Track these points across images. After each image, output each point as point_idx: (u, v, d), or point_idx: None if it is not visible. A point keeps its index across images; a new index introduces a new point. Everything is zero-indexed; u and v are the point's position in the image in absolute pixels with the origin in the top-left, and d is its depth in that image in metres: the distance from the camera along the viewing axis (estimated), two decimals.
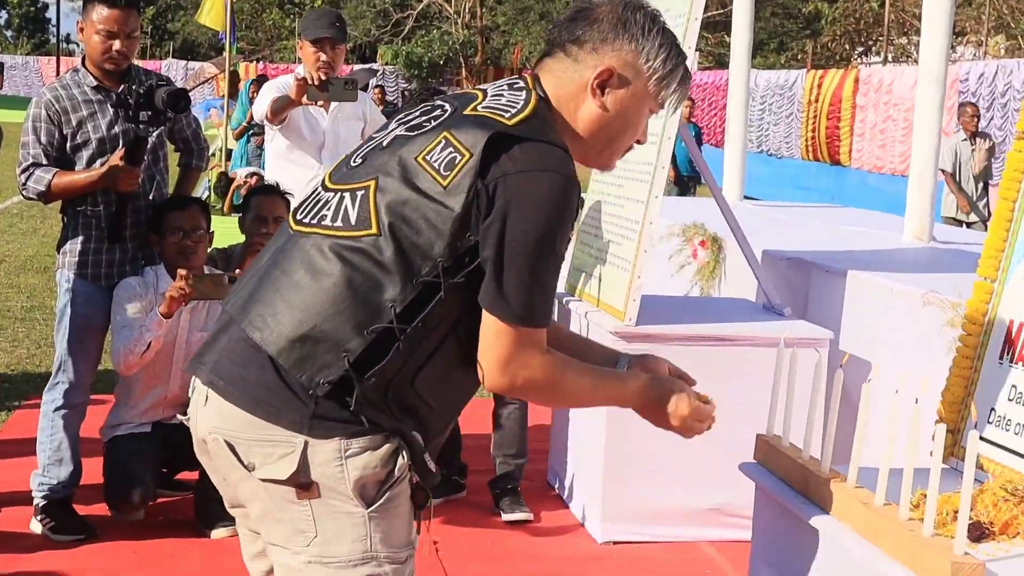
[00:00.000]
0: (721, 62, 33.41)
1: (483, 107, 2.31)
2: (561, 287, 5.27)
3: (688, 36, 4.47)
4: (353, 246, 2.23)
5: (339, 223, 2.26)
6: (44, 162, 4.56)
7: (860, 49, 36.44)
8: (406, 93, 24.65)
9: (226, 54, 17.63)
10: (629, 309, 4.47)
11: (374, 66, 36.37)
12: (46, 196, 4.56)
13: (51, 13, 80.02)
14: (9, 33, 78.90)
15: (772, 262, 5.34)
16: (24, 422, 5.97)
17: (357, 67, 33.48)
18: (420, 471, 2.32)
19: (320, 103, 5.62)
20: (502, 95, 2.35)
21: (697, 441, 3.06)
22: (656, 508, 4.65)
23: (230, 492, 2.38)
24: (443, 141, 2.24)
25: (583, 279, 5.13)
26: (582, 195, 2.40)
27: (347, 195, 2.30)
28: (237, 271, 4.57)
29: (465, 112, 2.30)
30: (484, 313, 2.21)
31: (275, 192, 5.11)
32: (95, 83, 4.63)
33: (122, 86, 4.56)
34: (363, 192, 2.27)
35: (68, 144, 4.59)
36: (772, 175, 18.40)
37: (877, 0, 33.95)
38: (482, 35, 43.79)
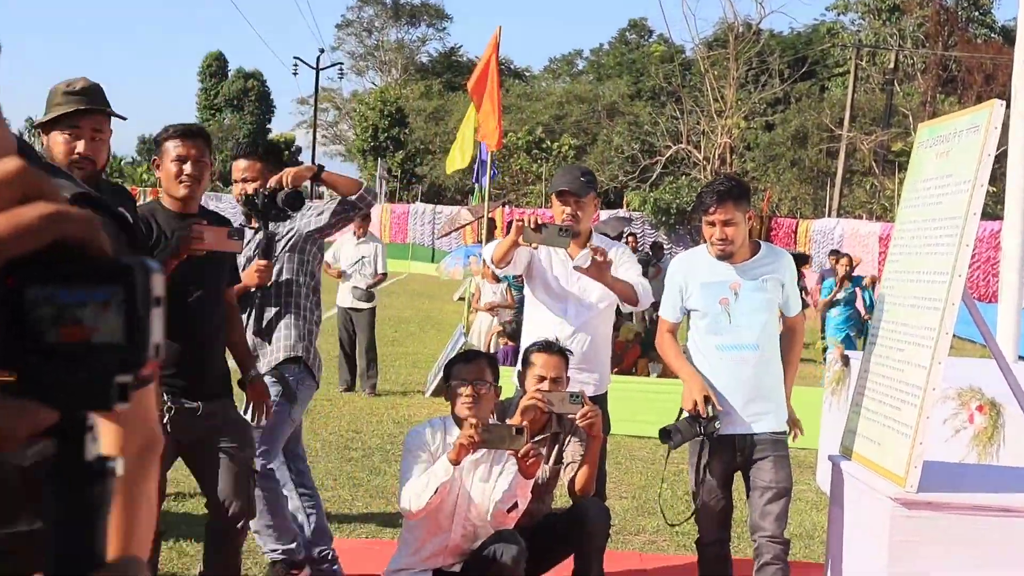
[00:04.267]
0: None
1: None
2: (835, 449, 5.22)
3: (973, 202, 4.48)
4: None
5: None
6: None
7: None
8: (658, 243, 24.67)
9: (480, 200, 17.36)
10: (910, 476, 4.40)
11: (622, 213, 36.71)
12: None
13: None
14: None
15: None
16: None
17: (606, 214, 33.69)
18: None
19: (554, 247, 5.66)
20: None
21: None
22: None
23: None
24: None
25: (858, 441, 5.07)
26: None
27: None
28: (521, 421, 4.74)
29: None
30: None
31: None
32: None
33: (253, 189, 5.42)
34: None
35: None
36: None
37: None
38: None
